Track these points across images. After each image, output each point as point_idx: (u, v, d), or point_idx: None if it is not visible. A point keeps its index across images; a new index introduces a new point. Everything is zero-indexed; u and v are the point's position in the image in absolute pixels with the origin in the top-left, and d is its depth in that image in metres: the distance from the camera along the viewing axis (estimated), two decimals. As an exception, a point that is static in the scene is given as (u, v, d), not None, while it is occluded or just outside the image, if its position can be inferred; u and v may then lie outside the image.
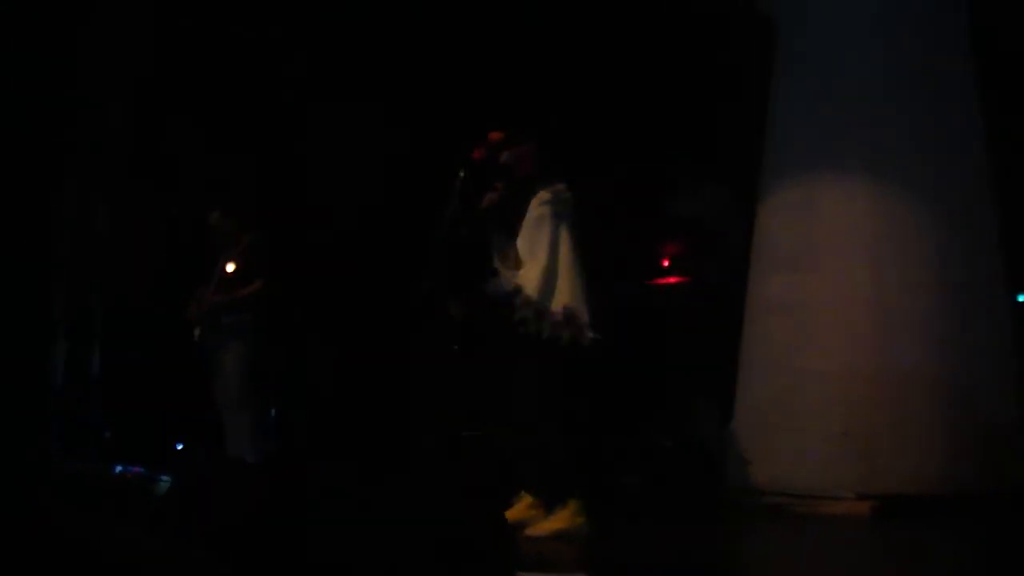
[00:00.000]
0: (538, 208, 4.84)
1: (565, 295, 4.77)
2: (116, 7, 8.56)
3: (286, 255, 7.52)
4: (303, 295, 8.09)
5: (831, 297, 5.60)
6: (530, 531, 4.51)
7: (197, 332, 7.09)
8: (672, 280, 7.20)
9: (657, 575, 3.93)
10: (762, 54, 6.22)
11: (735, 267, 6.96)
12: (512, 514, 4.77)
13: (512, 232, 4.90)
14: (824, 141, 5.80)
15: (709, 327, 6.65)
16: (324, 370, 8.55)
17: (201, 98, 8.50)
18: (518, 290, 4.77)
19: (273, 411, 8.04)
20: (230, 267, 7.03)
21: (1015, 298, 6.22)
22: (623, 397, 6.98)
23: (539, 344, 4.69)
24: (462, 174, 5.08)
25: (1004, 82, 6.49)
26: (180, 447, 7.37)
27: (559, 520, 4.61)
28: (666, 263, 7.39)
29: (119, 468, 7.16)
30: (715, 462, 6.10)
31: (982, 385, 5.54)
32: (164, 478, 6.39)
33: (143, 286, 8.49)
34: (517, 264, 4.82)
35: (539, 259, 4.79)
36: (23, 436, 7.72)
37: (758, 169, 6.17)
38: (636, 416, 6.90)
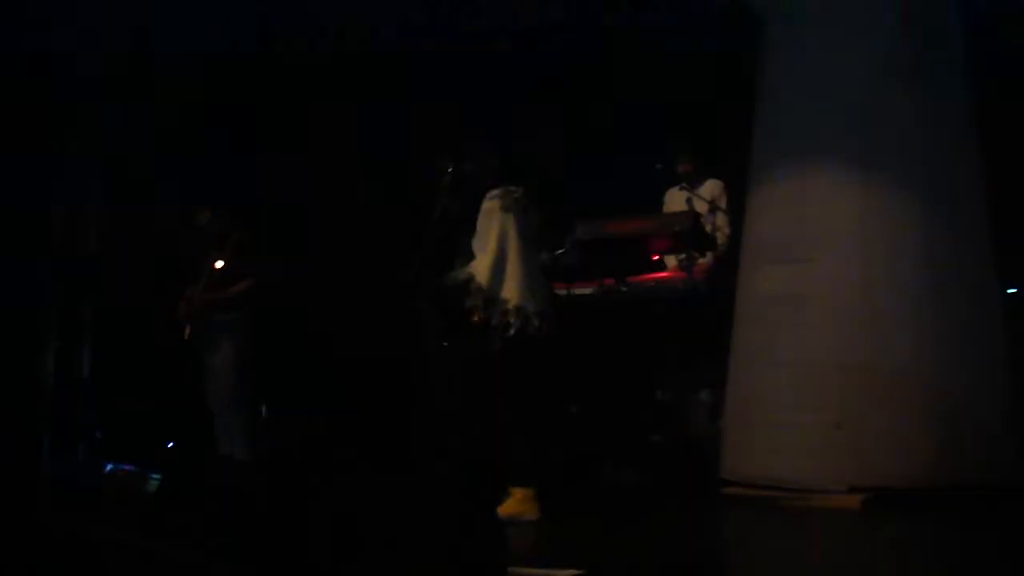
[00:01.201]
0: (487, 203, 5.03)
1: (514, 285, 4.93)
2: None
3: (276, 252, 7.52)
4: (295, 292, 8.08)
5: (821, 289, 5.60)
6: None
7: (188, 331, 7.10)
8: (662, 275, 7.19)
9: (651, 570, 3.93)
10: (749, 46, 6.22)
11: (726, 260, 6.98)
12: (504, 509, 4.80)
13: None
14: (814, 134, 5.79)
15: (699, 320, 6.64)
16: (318, 367, 8.55)
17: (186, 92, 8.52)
18: (470, 278, 4.91)
19: (264, 409, 8.04)
20: (219, 265, 7.04)
21: (1005, 291, 6.23)
22: (614, 392, 6.97)
23: (489, 332, 4.84)
24: (450, 168, 5.19)
25: (997, 76, 6.50)
26: (171, 445, 7.36)
27: (506, 507, 4.69)
28: (655, 257, 7.38)
29: (110, 466, 7.15)
30: (706, 456, 6.11)
31: (973, 378, 5.54)
32: (155, 476, 6.39)
33: (133, 285, 8.48)
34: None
35: (488, 251, 4.97)
36: (14, 436, 7.70)
37: (748, 162, 6.17)
38: (627, 411, 6.89)
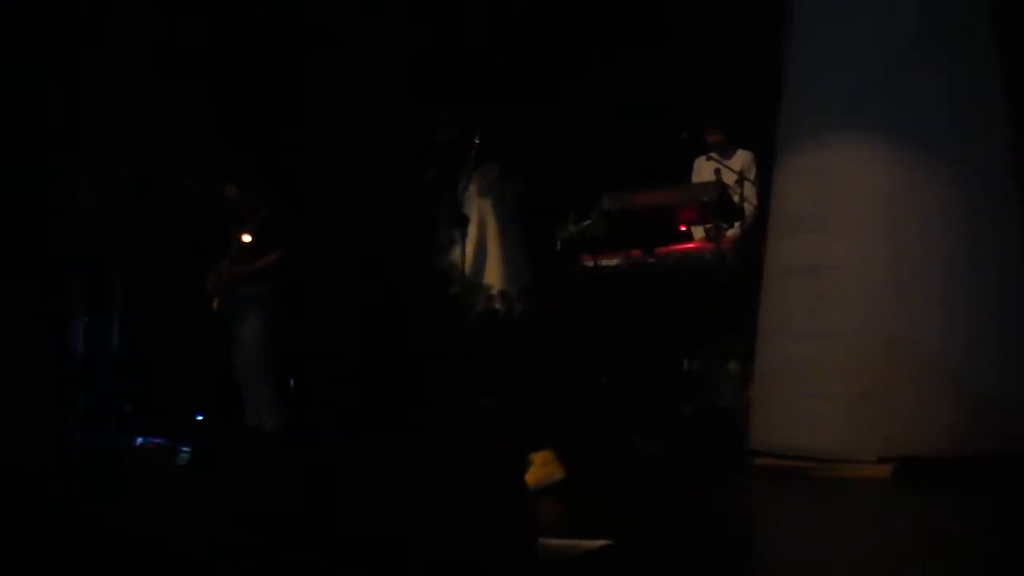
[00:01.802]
0: (466, 186, 5.15)
1: (495, 269, 5.01)
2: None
3: (302, 227, 7.54)
4: (319, 266, 8.10)
5: (848, 259, 5.56)
6: None
7: (216, 303, 7.14)
8: (690, 246, 7.16)
9: (680, 541, 3.92)
10: (776, 13, 6.16)
11: (753, 231, 6.95)
12: (530, 477, 4.80)
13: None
14: (840, 103, 5.73)
15: (727, 291, 6.62)
16: (343, 340, 8.56)
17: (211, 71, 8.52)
18: (451, 265, 4.99)
19: (292, 381, 8.07)
20: (247, 239, 7.07)
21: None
22: (642, 364, 6.97)
23: (474, 316, 4.94)
24: (476, 140, 5.21)
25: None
26: (200, 418, 7.40)
27: (531, 475, 4.70)
28: (683, 228, 7.36)
29: (140, 440, 7.20)
30: (735, 427, 6.09)
31: (1002, 348, 5.49)
32: (184, 449, 6.42)
33: (161, 259, 8.53)
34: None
35: (469, 236, 5.06)
36: (44, 410, 7.75)
37: (775, 131, 6.12)
38: (655, 383, 6.89)
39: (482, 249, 5.13)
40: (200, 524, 3.81)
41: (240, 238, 7.11)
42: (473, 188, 5.24)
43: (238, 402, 7.08)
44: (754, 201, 7.18)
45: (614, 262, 7.12)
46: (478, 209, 5.19)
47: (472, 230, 5.15)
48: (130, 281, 8.82)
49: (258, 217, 7.11)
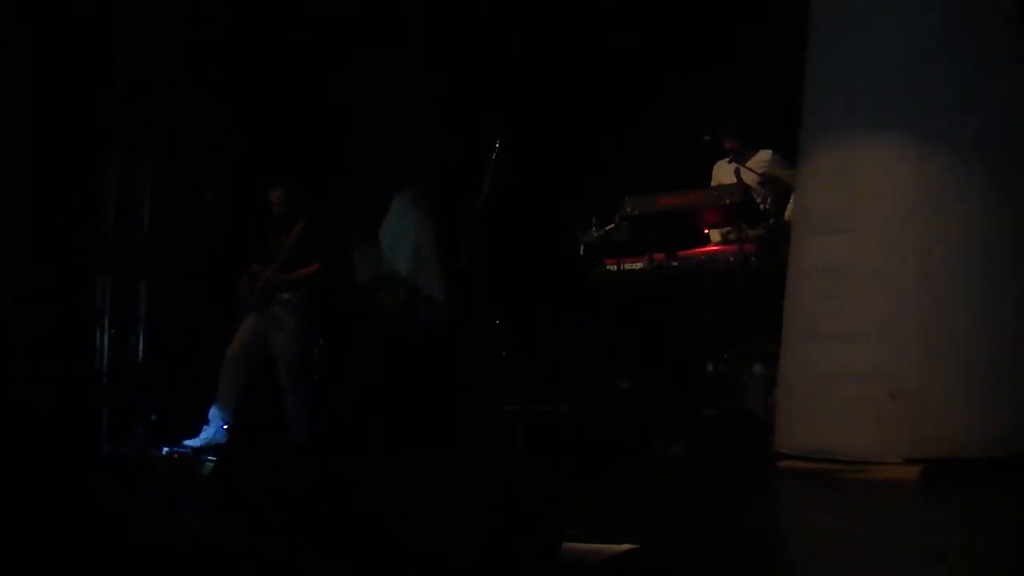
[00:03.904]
0: (398, 200, 5.35)
1: (431, 276, 5.22)
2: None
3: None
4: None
5: (874, 258, 5.52)
6: None
7: (253, 302, 7.18)
8: (713, 248, 7.15)
9: (705, 544, 3.90)
10: (798, 10, 6.14)
11: (777, 232, 6.92)
12: None
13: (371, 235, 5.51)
14: (865, 102, 5.69)
15: (752, 293, 6.60)
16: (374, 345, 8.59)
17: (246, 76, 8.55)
18: (393, 273, 5.17)
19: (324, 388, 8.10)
20: (287, 246, 7.14)
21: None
22: (666, 367, 6.96)
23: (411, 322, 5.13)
24: (497, 145, 5.27)
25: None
26: (225, 427, 7.43)
27: None
28: (706, 231, 7.34)
29: (166, 450, 7.24)
30: (761, 429, 6.06)
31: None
32: (210, 459, 6.45)
33: (187, 268, 8.57)
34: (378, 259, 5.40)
35: (409, 245, 5.28)
36: (71, 420, 7.80)
37: (797, 129, 6.09)
38: (679, 385, 6.88)
39: (419, 258, 5.34)
40: (223, 531, 3.82)
41: (285, 244, 7.18)
42: (407, 200, 5.45)
43: (266, 411, 7.13)
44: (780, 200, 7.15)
45: (637, 265, 7.10)
46: (414, 220, 5.40)
47: (407, 242, 5.36)
48: (156, 291, 8.86)
49: (299, 225, 7.18)
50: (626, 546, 3.52)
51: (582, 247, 7.36)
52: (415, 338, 5.42)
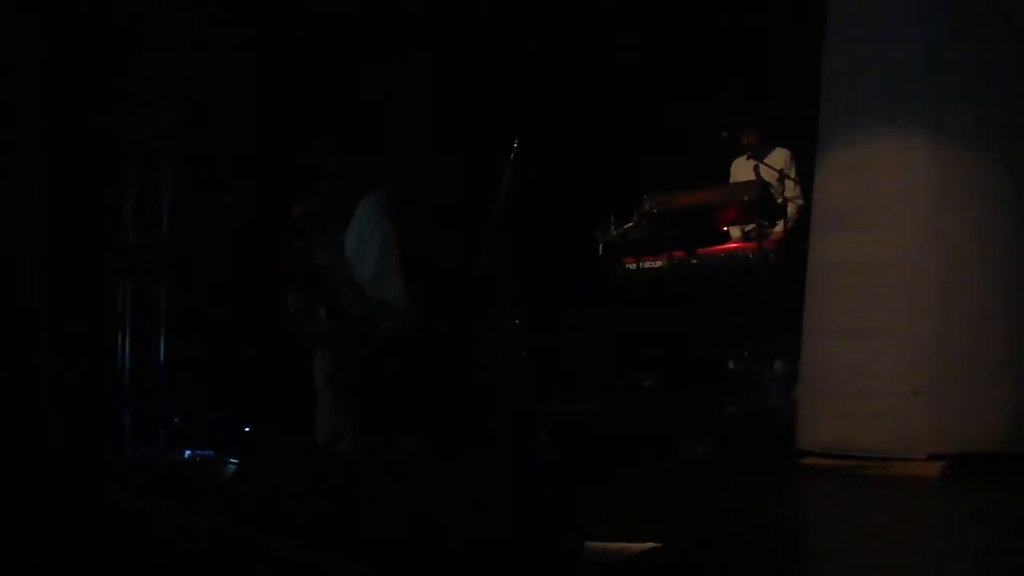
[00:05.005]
0: (362, 207, 5.37)
1: (395, 287, 5.24)
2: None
3: None
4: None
5: (893, 254, 5.50)
6: None
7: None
8: (732, 245, 7.14)
9: (728, 542, 3.90)
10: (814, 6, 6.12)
11: (797, 228, 6.92)
12: None
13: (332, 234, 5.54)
14: (881, 98, 5.68)
15: (771, 290, 6.60)
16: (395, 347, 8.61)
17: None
18: (358, 286, 5.19)
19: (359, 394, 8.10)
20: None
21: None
22: (687, 365, 6.96)
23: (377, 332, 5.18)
24: (516, 143, 5.26)
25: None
26: (247, 430, 7.44)
27: None
28: (725, 228, 7.33)
29: (188, 453, 7.26)
30: (782, 426, 6.05)
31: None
32: (233, 461, 6.46)
33: (208, 270, 8.58)
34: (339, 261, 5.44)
35: (371, 255, 5.30)
36: (93, 424, 7.83)
37: (815, 125, 6.07)
38: (700, 383, 6.87)
39: (384, 268, 5.39)
40: (244, 533, 3.84)
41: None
42: (372, 208, 5.48)
43: (293, 414, 7.13)
44: (799, 201, 7.14)
45: (657, 263, 7.10)
46: (380, 229, 5.44)
47: (373, 250, 5.41)
48: (177, 293, 8.88)
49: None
50: (649, 545, 3.52)
51: (601, 246, 7.37)
52: (376, 345, 5.45)
